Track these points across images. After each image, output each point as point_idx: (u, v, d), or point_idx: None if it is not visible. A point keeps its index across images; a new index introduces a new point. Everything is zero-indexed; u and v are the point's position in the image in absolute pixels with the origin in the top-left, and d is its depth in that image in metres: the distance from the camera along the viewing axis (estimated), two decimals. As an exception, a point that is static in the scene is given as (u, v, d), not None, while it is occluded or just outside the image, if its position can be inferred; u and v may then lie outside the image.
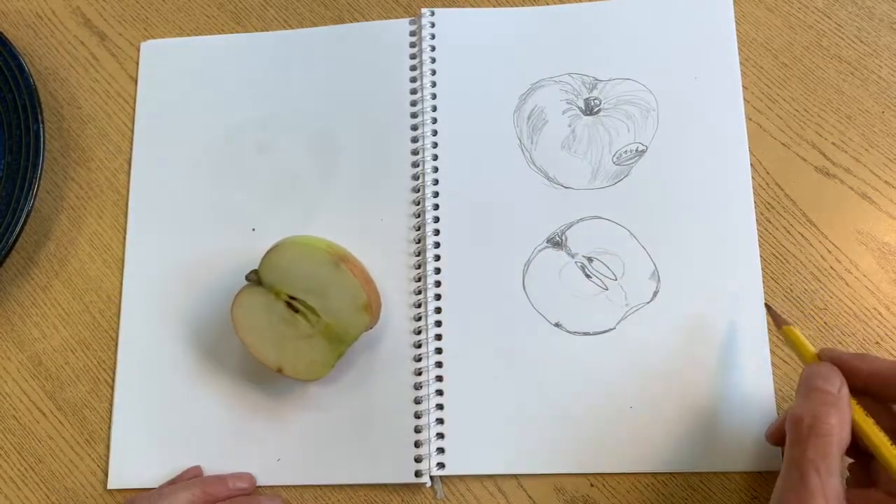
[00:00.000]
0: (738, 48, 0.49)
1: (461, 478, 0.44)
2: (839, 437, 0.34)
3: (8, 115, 0.51)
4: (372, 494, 0.45)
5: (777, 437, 0.40)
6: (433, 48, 0.51)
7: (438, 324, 0.46)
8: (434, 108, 0.50)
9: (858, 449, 0.37)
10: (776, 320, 0.42)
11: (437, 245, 0.48)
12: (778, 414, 0.43)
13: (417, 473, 0.44)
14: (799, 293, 0.45)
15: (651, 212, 0.47)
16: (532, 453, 0.44)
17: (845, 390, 0.36)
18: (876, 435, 0.35)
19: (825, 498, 0.33)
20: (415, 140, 0.50)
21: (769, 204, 0.47)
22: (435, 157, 0.49)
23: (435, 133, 0.50)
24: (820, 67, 0.49)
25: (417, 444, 0.44)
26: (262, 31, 0.54)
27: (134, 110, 0.53)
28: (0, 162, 0.51)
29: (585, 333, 0.45)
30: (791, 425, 0.35)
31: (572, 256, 0.47)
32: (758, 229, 0.46)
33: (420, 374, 0.46)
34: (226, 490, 0.43)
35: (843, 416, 0.34)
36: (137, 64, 0.54)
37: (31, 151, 0.50)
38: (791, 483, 0.33)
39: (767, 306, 0.44)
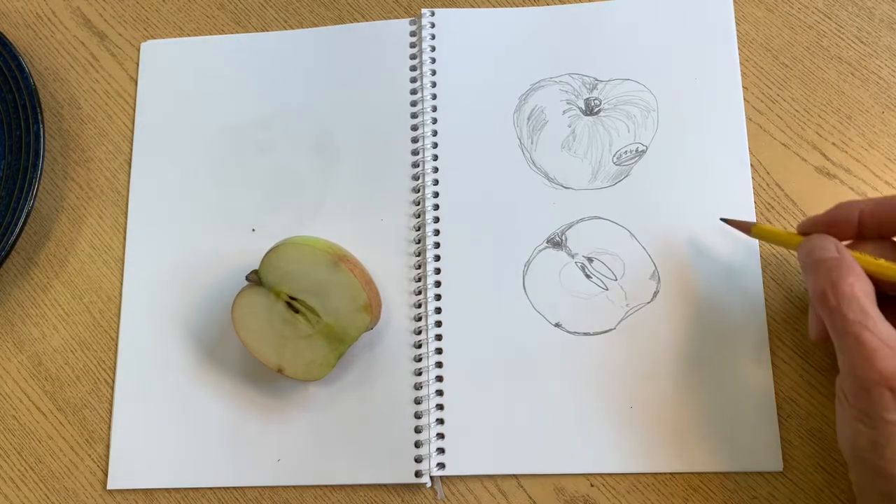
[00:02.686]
0: (738, 48, 0.49)
1: (461, 478, 0.44)
2: (863, 289, 0.35)
3: (8, 115, 0.51)
4: (372, 494, 0.45)
5: (819, 330, 0.39)
6: (433, 48, 0.51)
7: (438, 324, 0.46)
8: (434, 108, 0.50)
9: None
10: (742, 227, 0.42)
11: (437, 245, 0.48)
12: (778, 413, 0.43)
13: (417, 473, 0.44)
14: (800, 293, 0.45)
15: (651, 212, 0.47)
16: (532, 453, 0.44)
17: (843, 248, 0.37)
18: (891, 268, 0.37)
19: (886, 345, 0.34)
20: (415, 140, 0.50)
21: (769, 204, 0.47)
22: (435, 157, 0.49)
23: (435, 133, 0.50)
24: (820, 68, 0.49)
25: (417, 445, 0.44)
26: (262, 31, 0.54)
27: (134, 110, 0.53)
28: (0, 162, 0.51)
29: (585, 333, 0.45)
30: (819, 304, 0.36)
31: (572, 256, 0.47)
32: (758, 229, 0.46)
33: (420, 374, 0.46)
34: None
35: (855, 270, 0.36)
36: (137, 64, 0.54)
37: (31, 151, 0.50)
38: (851, 351, 0.34)
39: (724, 220, 0.44)
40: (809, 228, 0.40)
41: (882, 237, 0.39)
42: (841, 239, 0.39)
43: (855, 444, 0.35)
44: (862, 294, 0.35)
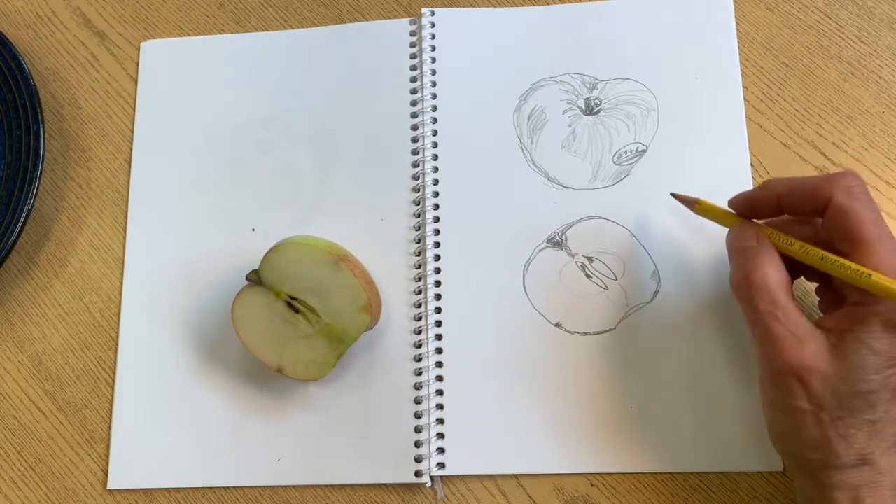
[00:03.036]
0: (738, 48, 0.49)
1: (461, 478, 0.44)
2: (776, 279, 0.36)
3: (8, 115, 0.51)
4: (372, 494, 0.45)
5: (741, 205, 0.40)
6: (433, 48, 0.51)
7: (438, 324, 0.46)
8: (434, 108, 0.50)
9: (816, 273, 0.38)
10: (689, 203, 0.43)
11: (437, 245, 0.48)
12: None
13: (417, 473, 0.44)
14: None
15: (651, 212, 0.47)
16: (532, 453, 0.44)
17: (763, 238, 0.38)
18: (814, 251, 0.36)
19: (794, 335, 0.35)
20: (415, 140, 0.50)
21: (769, 204, 0.47)
22: (435, 157, 0.49)
23: (435, 133, 0.50)
24: (820, 67, 0.49)
25: (417, 444, 0.44)
26: (262, 31, 0.54)
27: (134, 110, 0.53)
28: (0, 162, 0.51)
29: (585, 333, 0.45)
30: (736, 292, 0.37)
31: (572, 256, 0.47)
32: (758, 229, 0.46)
33: (420, 374, 0.46)
34: None
35: (771, 260, 0.36)
36: (137, 64, 0.54)
37: (31, 151, 0.50)
38: (762, 341, 0.35)
39: (673, 195, 0.44)
40: (738, 205, 0.40)
41: (806, 214, 0.38)
42: (770, 216, 0.39)
43: (774, 430, 0.37)
44: (774, 284, 0.36)
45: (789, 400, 0.35)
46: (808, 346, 0.34)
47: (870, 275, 0.34)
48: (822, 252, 0.36)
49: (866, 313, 0.34)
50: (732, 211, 0.41)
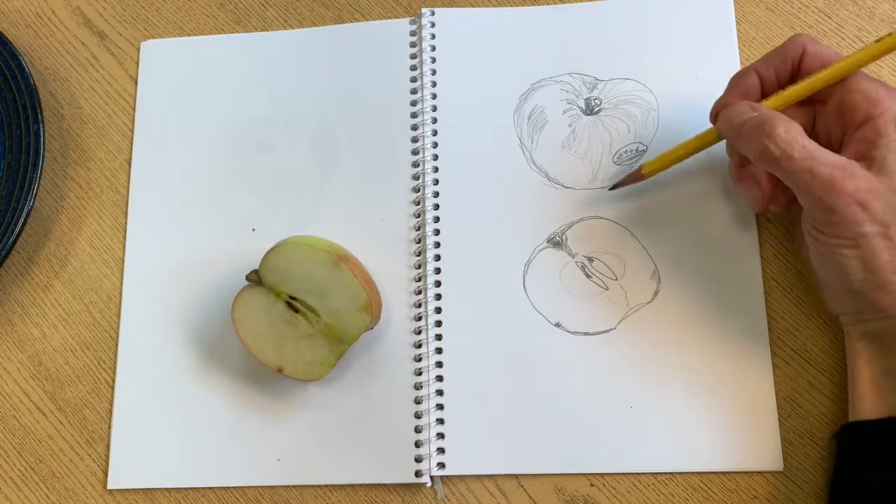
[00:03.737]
0: (738, 48, 0.49)
1: (461, 478, 0.44)
2: (796, 128, 0.36)
3: (8, 115, 0.51)
4: (372, 494, 0.45)
5: (760, 195, 0.42)
6: (433, 48, 0.51)
7: (438, 324, 0.46)
8: (434, 108, 0.50)
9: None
10: (635, 177, 0.45)
11: (437, 245, 0.48)
12: (778, 413, 0.43)
13: (418, 473, 0.44)
14: (800, 293, 0.45)
15: (651, 212, 0.47)
16: (532, 453, 0.44)
17: (758, 105, 0.39)
18: (806, 81, 0.39)
19: (840, 167, 0.35)
20: (415, 140, 0.50)
21: (769, 204, 0.47)
22: (435, 157, 0.49)
23: (435, 133, 0.50)
24: (820, 67, 0.49)
25: (417, 444, 0.44)
26: (262, 31, 0.54)
27: (134, 110, 0.53)
28: (0, 162, 0.51)
29: (586, 333, 0.45)
30: (763, 160, 0.37)
31: (572, 256, 0.47)
32: (758, 229, 0.46)
33: (420, 374, 0.46)
34: None
35: (780, 116, 0.37)
36: (137, 64, 0.54)
37: (31, 151, 0.50)
38: (811, 186, 0.36)
39: (614, 187, 0.46)
40: (719, 108, 0.41)
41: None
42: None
43: (848, 273, 0.36)
44: (797, 132, 0.36)
45: (855, 230, 0.35)
46: (856, 171, 0.35)
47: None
48: (812, 76, 0.38)
49: (877, 124, 0.36)
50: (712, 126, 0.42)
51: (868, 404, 0.38)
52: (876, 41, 0.38)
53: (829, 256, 0.37)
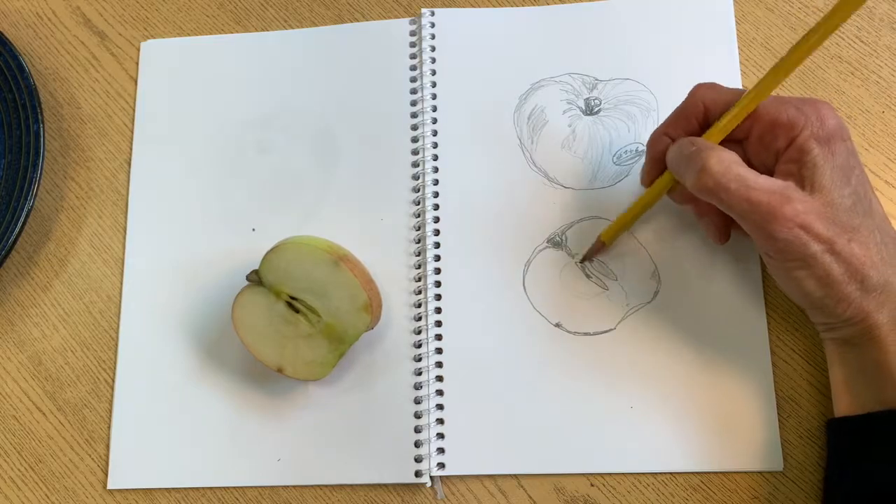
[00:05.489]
0: (739, 48, 0.49)
1: (461, 478, 0.44)
2: (730, 158, 0.37)
3: (8, 115, 0.51)
4: (372, 494, 0.45)
5: (713, 225, 0.43)
6: (433, 48, 0.51)
7: (438, 324, 0.46)
8: (434, 108, 0.50)
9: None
10: (597, 248, 0.45)
11: (437, 245, 0.48)
12: (778, 413, 0.43)
13: (417, 473, 0.44)
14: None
15: (651, 212, 0.47)
16: (532, 453, 0.44)
17: (698, 139, 0.39)
18: (733, 110, 0.39)
19: (776, 193, 0.36)
20: (415, 140, 0.50)
21: (769, 204, 0.47)
22: (435, 157, 0.49)
23: (435, 133, 0.50)
24: (820, 67, 0.49)
25: (417, 444, 0.44)
26: (262, 31, 0.54)
27: (134, 110, 0.53)
28: (0, 162, 0.51)
29: (585, 333, 0.45)
30: (703, 193, 0.38)
31: (572, 256, 0.47)
32: (758, 229, 0.46)
33: (420, 374, 0.46)
34: None
35: (715, 148, 0.38)
36: (137, 64, 0.54)
37: (31, 151, 0.50)
38: (752, 215, 0.36)
39: (581, 261, 0.46)
40: (657, 139, 0.42)
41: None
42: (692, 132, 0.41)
43: (807, 293, 0.37)
44: (732, 162, 0.37)
45: (803, 252, 0.36)
46: (792, 194, 0.36)
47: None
48: (740, 99, 0.38)
49: (798, 143, 0.37)
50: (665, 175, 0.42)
51: (845, 402, 0.39)
52: (771, 69, 0.38)
53: (785, 278, 0.38)
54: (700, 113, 0.40)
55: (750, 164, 0.38)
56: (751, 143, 0.40)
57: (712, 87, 0.40)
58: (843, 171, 0.37)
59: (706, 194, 0.37)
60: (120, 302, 0.49)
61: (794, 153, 0.37)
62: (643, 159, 0.48)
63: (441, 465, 0.44)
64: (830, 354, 0.40)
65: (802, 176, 0.37)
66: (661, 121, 0.48)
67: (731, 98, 0.39)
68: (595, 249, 0.46)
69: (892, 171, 0.47)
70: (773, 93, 0.38)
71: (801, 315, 0.45)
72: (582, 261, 0.46)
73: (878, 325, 0.37)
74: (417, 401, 0.45)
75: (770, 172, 0.38)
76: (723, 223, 0.42)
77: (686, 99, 0.41)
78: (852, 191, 0.37)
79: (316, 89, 0.52)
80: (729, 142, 0.40)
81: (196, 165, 0.51)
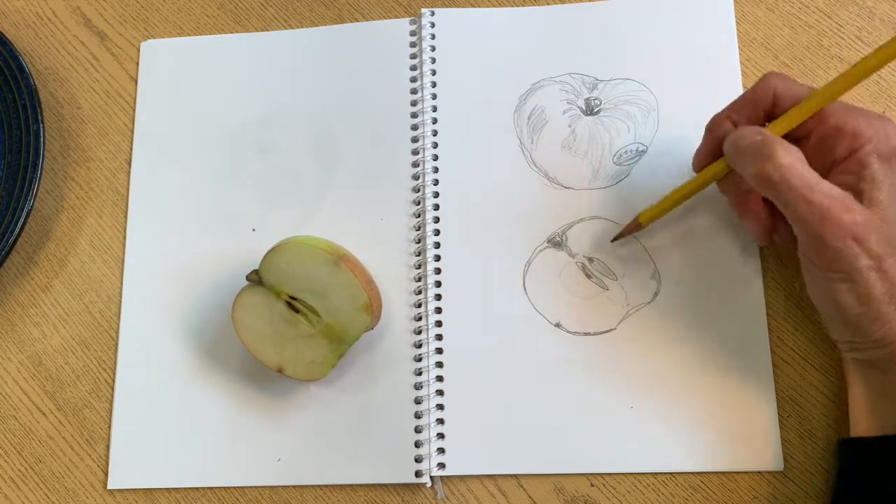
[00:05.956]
0: (739, 48, 0.49)
1: (461, 478, 0.44)
2: (798, 156, 0.36)
3: (8, 115, 0.51)
4: (372, 494, 0.45)
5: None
6: (433, 48, 0.51)
7: (438, 324, 0.46)
8: (434, 108, 0.50)
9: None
10: (633, 227, 0.45)
11: (437, 245, 0.48)
12: (778, 413, 0.43)
13: (418, 473, 0.44)
14: (800, 293, 0.45)
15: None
16: (532, 453, 0.44)
17: (764, 130, 0.38)
18: (801, 105, 0.38)
19: (837, 199, 0.35)
20: (415, 140, 0.50)
21: (769, 204, 0.47)
22: (435, 157, 0.49)
23: (435, 133, 0.50)
24: (820, 67, 0.49)
25: (418, 444, 0.44)
26: (262, 31, 0.54)
27: (134, 110, 0.53)
28: (0, 162, 0.51)
29: (586, 333, 0.45)
30: (762, 184, 0.37)
31: (572, 256, 0.47)
32: (758, 229, 0.46)
33: (420, 374, 0.46)
34: None
35: (783, 143, 0.37)
36: (137, 64, 0.54)
37: (31, 151, 0.50)
38: (807, 216, 0.35)
39: (614, 239, 0.46)
40: (719, 123, 0.41)
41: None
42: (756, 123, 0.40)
43: (843, 306, 0.36)
44: (798, 161, 0.36)
45: (851, 264, 0.35)
46: (852, 204, 0.35)
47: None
48: (809, 96, 0.38)
49: (860, 157, 0.36)
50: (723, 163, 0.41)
51: (864, 423, 0.39)
52: (844, 72, 0.37)
53: (824, 289, 0.37)
54: (769, 102, 0.39)
55: None
56: (810, 144, 0.39)
57: (784, 78, 0.39)
58: None
59: (767, 187, 0.36)
60: (120, 302, 0.49)
61: (853, 165, 0.37)
62: (642, 159, 0.48)
63: (441, 465, 0.44)
64: (852, 374, 0.40)
65: (861, 189, 0.36)
66: (661, 121, 0.49)
67: (801, 93, 0.38)
68: (630, 228, 0.45)
69: (892, 171, 0.47)
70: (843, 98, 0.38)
71: (802, 315, 0.45)
72: (613, 240, 0.46)
73: None
74: (417, 401, 0.45)
75: (823, 178, 0.37)
76: (769, 223, 0.41)
77: (756, 85, 0.39)
78: None
79: (316, 89, 0.52)
80: (787, 139, 0.38)
81: (196, 165, 0.51)
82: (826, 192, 0.35)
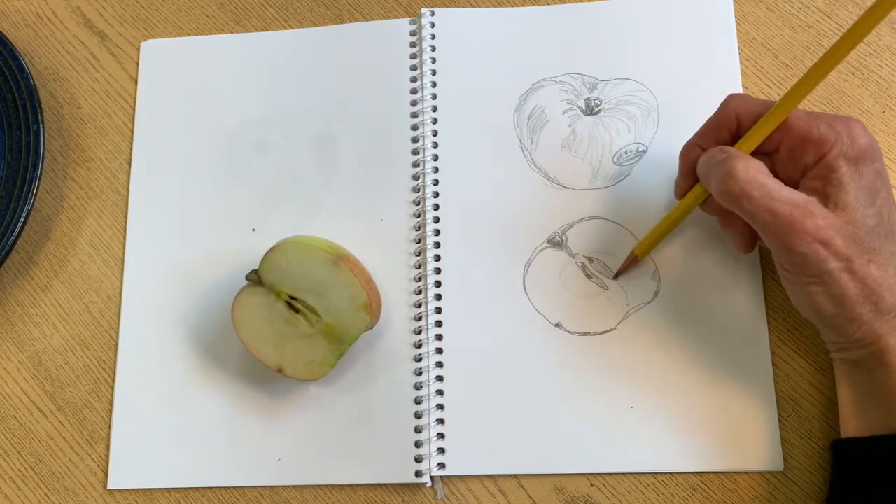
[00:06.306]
0: (738, 48, 0.49)
1: (461, 478, 0.44)
2: (756, 167, 0.37)
3: (8, 115, 0.51)
4: (372, 494, 0.45)
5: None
6: (433, 48, 0.51)
7: (438, 324, 0.46)
8: (434, 109, 0.50)
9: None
10: (630, 262, 0.45)
11: (437, 245, 0.48)
12: (778, 413, 0.43)
13: (418, 473, 0.44)
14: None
15: (651, 212, 0.47)
16: (532, 453, 0.44)
17: (727, 147, 0.39)
18: (766, 119, 0.39)
19: (799, 206, 0.36)
20: (415, 140, 0.50)
21: (769, 204, 0.47)
22: (435, 157, 0.49)
23: (435, 133, 0.50)
24: (820, 67, 0.49)
25: (418, 444, 0.44)
26: (262, 31, 0.54)
27: (134, 110, 0.53)
28: (0, 162, 0.51)
29: (586, 333, 0.45)
30: (727, 201, 0.38)
31: (572, 256, 0.47)
32: (758, 229, 0.46)
33: (420, 374, 0.46)
34: None
35: (743, 156, 0.37)
36: (137, 64, 0.54)
37: (31, 151, 0.50)
38: (772, 226, 0.36)
39: (615, 276, 0.46)
40: (691, 149, 0.42)
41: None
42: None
43: (819, 309, 0.37)
44: (758, 172, 0.37)
45: (820, 268, 0.36)
46: (815, 209, 0.36)
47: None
48: (771, 109, 0.38)
49: (829, 161, 0.37)
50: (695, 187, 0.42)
51: (853, 424, 0.39)
52: (798, 81, 0.37)
53: (800, 293, 0.38)
54: (732, 124, 0.40)
55: (777, 177, 0.38)
56: (780, 156, 0.40)
57: (744, 98, 0.40)
58: (868, 191, 0.37)
59: (730, 201, 0.37)
60: (120, 302, 0.49)
61: (821, 170, 0.37)
62: (642, 159, 0.48)
63: (441, 465, 0.44)
64: (839, 375, 0.40)
65: (827, 193, 0.37)
66: (661, 121, 0.49)
67: (762, 109, 0.39)
68: (628, 264, 0.45)
69: (892, 171, 0.47)
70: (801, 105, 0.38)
71: (802, 316, 0.44)
72: (614, 277, 0.46)
73: (890, 349, 0.37)
74: (417, 401, 0.45)
75: (796, 187, 0.38)
76: (749, 234, 0.42)
77: (718, 110, 0.41)
78: (876, 212, 0.37)
79: (316, 89, 0.52)
80: (759, 153, 0.39)
81: (196, 165, 0.51)
82: (788, 200, 0.36)
